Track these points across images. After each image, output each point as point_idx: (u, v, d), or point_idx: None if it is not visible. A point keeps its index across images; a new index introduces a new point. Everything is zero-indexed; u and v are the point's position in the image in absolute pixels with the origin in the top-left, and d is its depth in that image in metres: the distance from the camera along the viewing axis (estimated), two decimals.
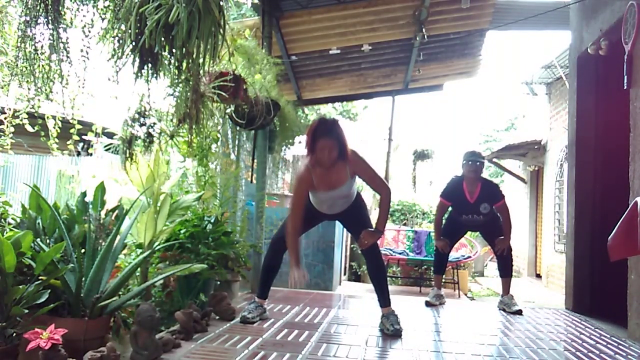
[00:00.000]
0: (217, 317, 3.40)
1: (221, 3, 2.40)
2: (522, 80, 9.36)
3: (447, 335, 3.35)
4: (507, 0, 6.09)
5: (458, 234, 4.79)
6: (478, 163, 4.38)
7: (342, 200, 3.36)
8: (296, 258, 3.20)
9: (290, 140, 5.52)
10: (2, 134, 3.99)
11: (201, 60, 2.48)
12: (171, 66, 2.54)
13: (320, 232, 6.34)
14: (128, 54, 2.43)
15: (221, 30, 2.44)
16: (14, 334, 2.37)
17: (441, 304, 4.51)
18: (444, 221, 4.65)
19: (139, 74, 2.50)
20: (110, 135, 4.01)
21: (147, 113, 2.98)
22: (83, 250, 2.83)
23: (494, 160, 10.94)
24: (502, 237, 4.43)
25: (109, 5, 2.53)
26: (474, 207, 4.40)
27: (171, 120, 2.97)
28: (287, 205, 9.35)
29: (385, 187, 3.32)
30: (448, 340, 3.23)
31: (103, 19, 2.58)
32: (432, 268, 8.64)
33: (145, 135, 3.06)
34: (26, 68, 2.71)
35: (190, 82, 2.63)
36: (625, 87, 3.70)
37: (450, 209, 4.59)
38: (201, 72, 2.65)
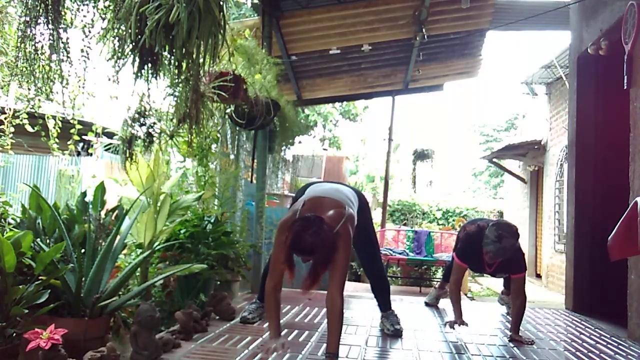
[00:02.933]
0: (217, 317, 3.39)
1: (221, 3, 2.40)
2: (522, 80, 9.35)
3: (447, 335, 3.35)
4: (507, 0, 6.09)
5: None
6: (502, 256, 3.25)
7: None
8: (276, 325, 2.53)
9: (290, 140, 5.51)
10: (2, 134, 3.99)
11: (201, 60, 2.49)
12: (171, 66, 2.54)
13: None
14: (128, 54, 2.43)
15: (221, 30, 2.44)
16: (14, 334, 2.37)
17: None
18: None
19: (139, 74, 2.50)
20: (110, 135, 4.01)
21: (147, 113, 2.98)
22: (83, 250, 2.83)
23: (494, 160, 10.95)
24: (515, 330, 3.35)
25: (109, 5, 2.53)
26: (491, 273, 3.69)
27: (171, 120, 2.97)
28: (287, 205, 9.38)
29: (339, 295, 2.49)
30: (448, 340, 3.23)
31: (103, 19, 2.58)
32: (432, 268, 8.68)
33: (145, 135, 3.06)
34: (26, 68, 2.71)
35: (190, 82, 2.63)
36: (625, 87, 3.70)
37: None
38: (201, 72, 2.65)
